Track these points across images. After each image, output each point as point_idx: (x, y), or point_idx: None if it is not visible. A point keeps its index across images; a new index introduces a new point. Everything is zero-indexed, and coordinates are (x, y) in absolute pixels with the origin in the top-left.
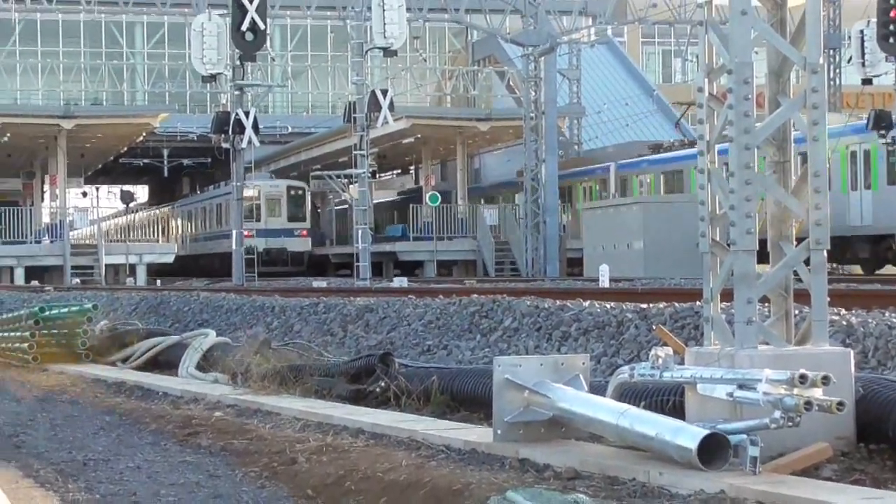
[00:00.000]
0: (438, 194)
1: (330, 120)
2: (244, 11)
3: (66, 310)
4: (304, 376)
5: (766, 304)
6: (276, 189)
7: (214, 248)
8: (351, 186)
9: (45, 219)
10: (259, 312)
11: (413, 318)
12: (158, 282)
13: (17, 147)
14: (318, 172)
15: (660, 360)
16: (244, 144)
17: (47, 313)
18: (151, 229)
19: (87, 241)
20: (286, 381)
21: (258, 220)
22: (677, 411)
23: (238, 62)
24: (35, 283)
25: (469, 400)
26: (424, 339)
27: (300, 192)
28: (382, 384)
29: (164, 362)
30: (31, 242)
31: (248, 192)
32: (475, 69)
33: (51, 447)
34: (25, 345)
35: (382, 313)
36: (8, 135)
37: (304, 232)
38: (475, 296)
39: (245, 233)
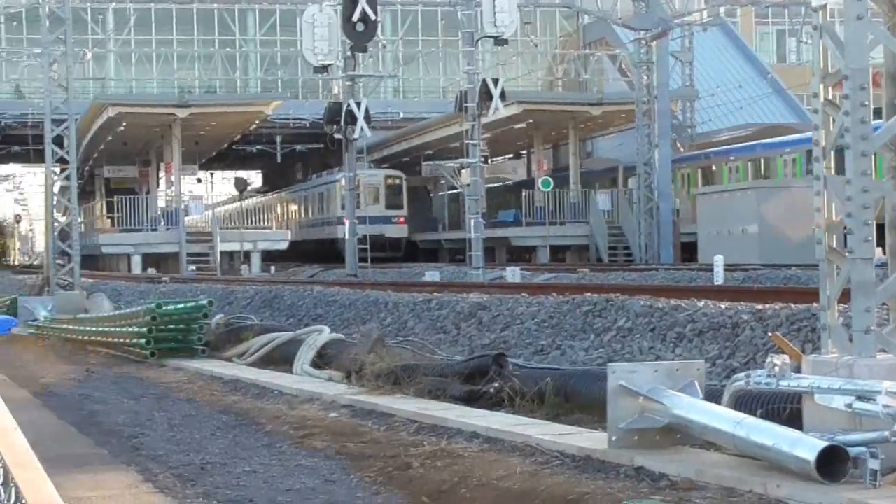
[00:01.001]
0: (550, 179)
1: (442, 105)
2: (355, 2)
3: (182, 305)
4: (417, 376)
5: (885, 309)
6: (375, 178)
7: (317, 235)
8: (463, 172)
9: (161, 205)
10: (373, 308)
11: (526, 316)
12: (273, 268)
13: (133, 135)
14: (429, 161)
15: (776, 369)
16: (356, 135)
17: (164, 309)
18: (265, 215)
19: (202, 229)
20: (400, 381)
21: (358, 207)
22: (794, 419)
23: (349, 53)
24: (152, 271)
25: (583, 402)
26: (538, 339)
27: (397, 180)
28: (496, 385)
29: (279, 358)
30: (147, 230)
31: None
32: (586, 53)
33: (169, 449)
34: (143, 340)
35: (495, 311)
36: (124, 124)
37: (402, 219)
38: (588, 294)
39: (345, 220)
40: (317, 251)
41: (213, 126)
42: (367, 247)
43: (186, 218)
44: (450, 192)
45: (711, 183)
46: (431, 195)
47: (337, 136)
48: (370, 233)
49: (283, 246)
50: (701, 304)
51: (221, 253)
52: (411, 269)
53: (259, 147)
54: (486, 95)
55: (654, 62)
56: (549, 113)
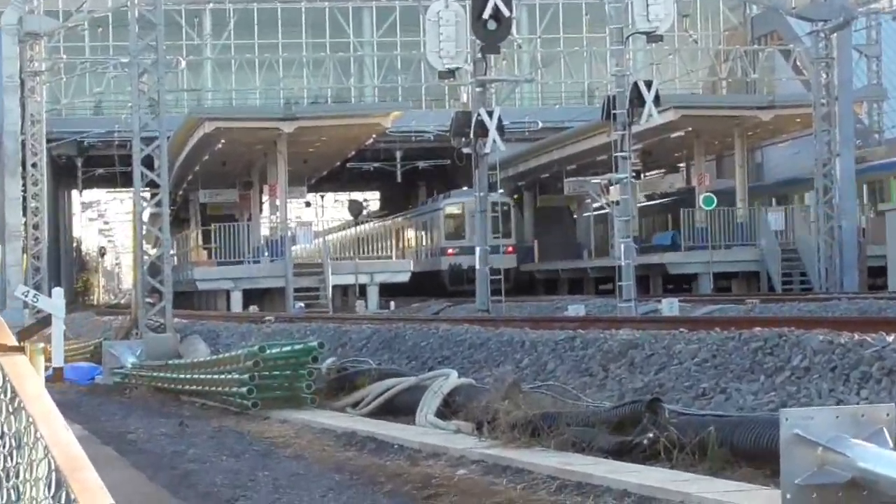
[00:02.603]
0: (714, 196)
1: (586, 112)
2: None
3: (288, 348)
4: (559, 425)
5: None
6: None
7: (421, 267)
8: (611, 189)
9: (264, 233)
10: (507, 348)
11: (685, 355)
12: (392, 304)
13: (232, 154)
14: (572, 178)
15: None
16: (487, 149)
17: (268, 352)
18: (383, 243)
19: (312, 260)
20: (539, 432)
21: (462, 237)
22: None
23: (479, 54)
24: (254, 308)
25: (752, 454)
26: (699, 381)
27: (505, 207)
28: (651, 435)
29: (400, 407)
30: (248, 262)
31: (452, 210)
32: (755, 49)
33: None
34: (244, 388)
35: (649, 349)
36: (223, 141)
37: (510, 248)
38: (758, 329)
39: (449, 250)
40: (419, 285)
41: (324, 141)
42: (493, 279)
43: (293, 248)
44: (596, 212)
45: None
46: (575, 217)
47: (465, 150)
48: (476, 264)
49: (404, 278)
50: (891, 338)
51: (333, 287)
52: (552, 303)
53: (376, 165)
54: (637, 100)
55: (835, 57)
56: (712, 119)
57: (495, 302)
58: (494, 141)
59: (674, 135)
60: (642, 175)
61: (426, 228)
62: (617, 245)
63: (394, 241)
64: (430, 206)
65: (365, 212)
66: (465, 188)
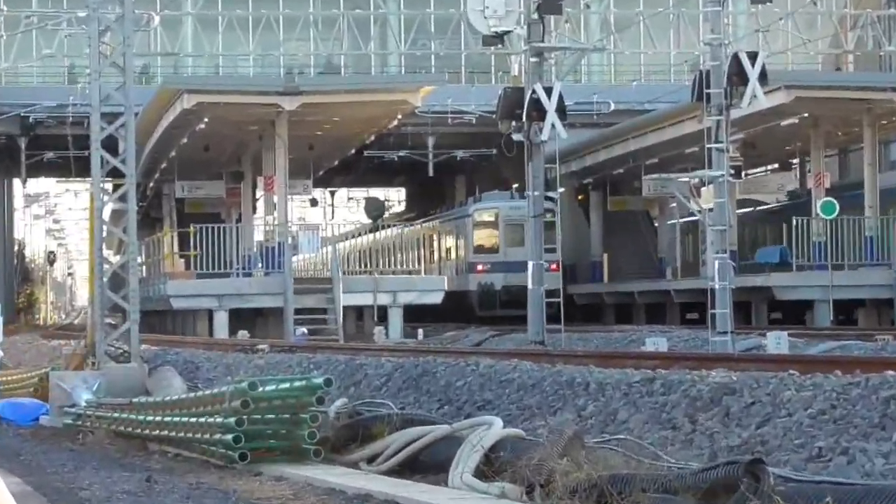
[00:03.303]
0: (835, 201)
1: (672, 92)
2: None
3: (287, 386)
4: (632, 491)
5: None
6: (519, 212)
7: (455, 286)
8: (702, 190)
9: (258, 238)
10: (566, 391)
11: (796, 404)
12: (421, 332)
13: (218, 137)
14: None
15: None
16: (544, 136)
17: (260, 390)
18: (410, 254)
19: (318, 273)
20: (607, 498)
21: (494, 250)
22: None
23: (536, 14)
24: (243, 334)
25: None
26: (813, 439)
27: (548, 214)
28: None
29: (428, 464)
30: (237, 274)
31: (483, 216)
32: (890, 14)
33: None
34: (230, 436)
35: (750, 397)
36: (206, 119)
37: (555, 266)
38: (890, 373)
39: (479, 267)
40: (442, 308)
41: (336, 123)
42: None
43: (295, 258)
44: (683, 220)
45: None
46: (656, 225)
47: (516, 137)
48: (511, 283)
49: (437, 298)
50: None
51: (346, 309)
52: (625, 335)
53: (402, 154)
54: (738, 77)
55: None
56: (834, 103)
57: (552, 332)
58: (553, 126)
59: (784, 122)
60: (743, 173)
61: (453, 239)
62: (709, 262)
63: (425, 252)
64: (458, 212)
65: (387, 213)
66: (496, 191)
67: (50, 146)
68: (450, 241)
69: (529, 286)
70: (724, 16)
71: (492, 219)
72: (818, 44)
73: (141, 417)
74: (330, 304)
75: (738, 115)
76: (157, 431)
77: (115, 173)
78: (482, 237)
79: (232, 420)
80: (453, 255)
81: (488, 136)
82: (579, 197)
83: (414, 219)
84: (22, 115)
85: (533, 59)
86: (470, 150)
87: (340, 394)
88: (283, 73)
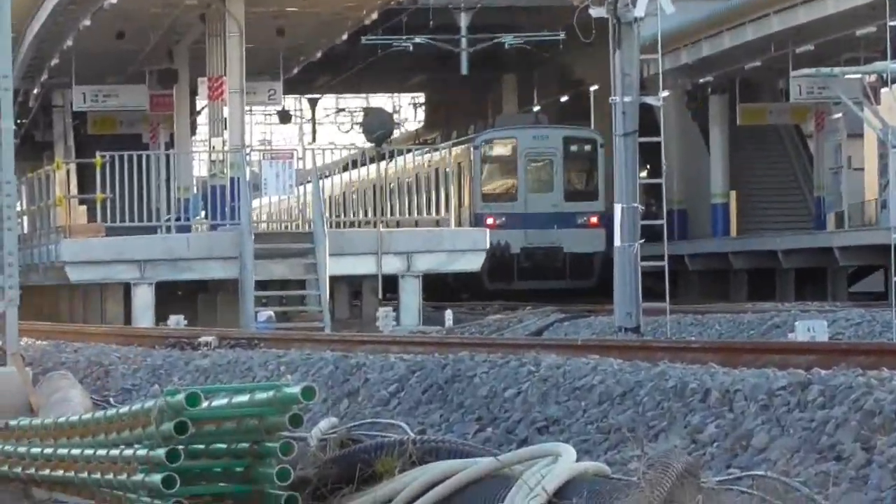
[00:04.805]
0: None
1: None
2: None
3: (244, 398)
4: None
5: None
6: (545, 143)
7: None
8: (883, 92)
9: (200, 173)
10: (673, 403)
11: None
12: (449, 316)
13: (138, 17)
14: (803, 71)
15: None
16: (639, 10)
17: (204, 406)
18: (433, 195)
19: (292, 229)
20: None
21: (512, 197)
22: None
23: None
24: (178, 321)
25: None
26: None
27: (588, 146)
28: None
29: None
30: (167, 229)
31: (496, 150)
32: None
33: None
34: (157, 477)
35: None
36: None
37: (594, 219)
38: None
39: (488, 219)
40: (437, 278)
41: None
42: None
43: (257, 202)
44: (851, 137)
45: None
46: (810, 148)
47: (596, 12)
48: (535, 243)
49: (475, 263)
50: None
51: (334, 280)
52: (761, 317)
53: (420, 40)
54: None
55: None
56: None
57: (652, 313)
58: None
59: None
60: None
61: (455, 181)
62: (893, 204)
63: (457, 190)
64: (464, 140)
65: (397, 132)
66: (520, 114)
67: None
68: (451, 185)
69: (617, 243)
70: None
71: (507, 153)
72: None
73: (21, 449)
74: (310, 274)
75: None
76: (47, 471)
77: None
78: (493, 179)
79: (161, 452)
80: (454, 204)
81: (553, 13)
82: (692, 105)
83: (437, 141)
84: None
85: None
86: (524, 35)
87: (327, 410)
88: None
